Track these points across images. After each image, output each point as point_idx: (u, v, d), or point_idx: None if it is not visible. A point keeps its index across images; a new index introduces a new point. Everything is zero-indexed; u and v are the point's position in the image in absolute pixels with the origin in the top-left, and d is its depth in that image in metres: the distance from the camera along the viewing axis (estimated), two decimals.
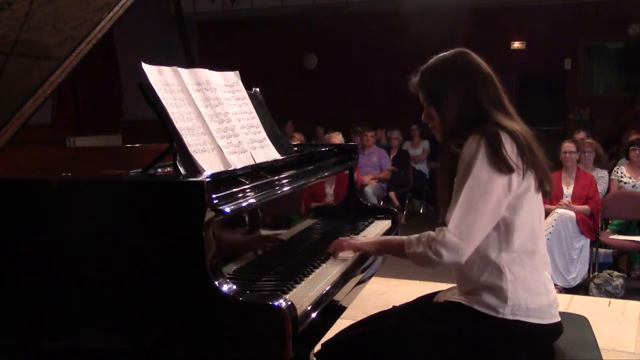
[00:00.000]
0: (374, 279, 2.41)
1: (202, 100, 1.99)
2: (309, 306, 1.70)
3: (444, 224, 1.78)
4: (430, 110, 1.95)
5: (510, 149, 1.77)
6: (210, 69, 2.16)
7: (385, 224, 2.70)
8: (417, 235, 1.87)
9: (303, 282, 1.84)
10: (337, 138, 6.63)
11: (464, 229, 1.74)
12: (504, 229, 1.81)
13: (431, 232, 1.81)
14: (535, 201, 1.86)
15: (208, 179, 1.57)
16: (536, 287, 1.84)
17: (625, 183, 5.95)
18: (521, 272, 1.82)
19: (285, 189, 2.05)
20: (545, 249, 1.94)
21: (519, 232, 1.81)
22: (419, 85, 1.97)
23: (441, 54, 1.97)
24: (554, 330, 1.90)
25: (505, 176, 1.76)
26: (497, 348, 1.83)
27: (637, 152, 5.94)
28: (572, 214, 5.30)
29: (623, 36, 9.98)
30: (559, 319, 1.90)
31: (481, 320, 1.81)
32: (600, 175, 6.01)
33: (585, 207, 5.37)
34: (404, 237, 1.91)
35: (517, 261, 1.82)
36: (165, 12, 7.65)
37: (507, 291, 1.79)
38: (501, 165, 1.75)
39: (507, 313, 1.80)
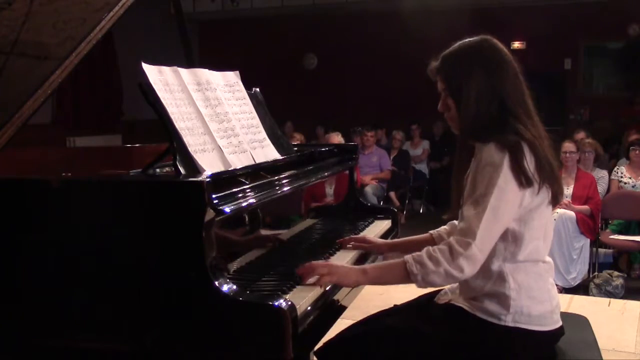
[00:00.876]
0: None
1: (202, 100, 1.99)
2: (309, 306, 1.70)
3: (452, 219, 1.74)
4: (448, 100, 1.84)
5: (529, 163, 1.72)
6: (210, 69, 2.16)
7: (385, 224, 2.70)
8: (418, 253, 1.72)
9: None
10: (336, 138, 6.64)
11: (486, 242, 1.69)
12: (512, 241, 1.77)
13: (441, 247, 1.71)
14: (546, 213, 1.83)
15: (208, 179, 1.57)
16: (540, 294, 1.81)
17: (625, 183, 5.95)
18: (525, 280, 1.79)
19: (285, 189, 2.04)
20: (549, 258, 1.91)
21: (527, 244, 1.78)
22: (439, 72, 1.85)
23: (465, 40, 1.85)
24: (556, 335, 1.88)
25: (524, 190, 1.72)
26: (498, 354, 1.82)
27: (637, 152, 5.94)
28: (572, 214, 5.30)
29: (623, 36, 9.99)
30: (560, 323, 1.88)
31: (483, 327, 1.80)
32: (600, 176, 6.01)
33: (585, 207, 5.37)
34: (399, 261, 1.75)
35: (522, 269, 1.79)
36: (165, 12, 7.64)
37: (510, 299, 1.77)
38: (522, 179, 1.70)
39: (509, 320, 1.78)
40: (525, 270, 1.80)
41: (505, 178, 1.69)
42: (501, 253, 1.78)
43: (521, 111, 1.79)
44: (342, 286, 1.87)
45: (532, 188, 1.73)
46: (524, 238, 1.77)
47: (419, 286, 1.75)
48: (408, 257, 1.75)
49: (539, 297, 1.81)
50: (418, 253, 1.74)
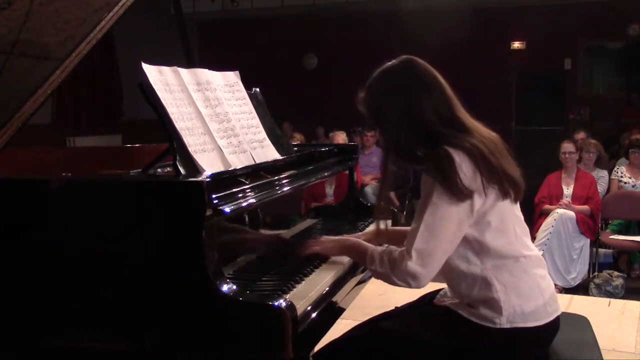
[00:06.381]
0: (373, 279, 2.41)
1: (202, 100, 1.99)
2: (309, 306, 1.70)
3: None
4: (377, 129, 1.92)
5: (466, 172, 1.71)
6: (210, 69, 2.16)
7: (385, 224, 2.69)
8: (379, 250, 1.83)
9: (303, 282, 1.84)
10: (340, 137, 6.64)
11: (426, 257, 1.72)
12: (477, 247, 1.79)
13: (393, 251, 1.77)
14: (503, 211, 1.81)
15: (208, 179, 1.57)
16: (529, 290, 1.82)
17: (625, 183, 5.95)
18: (510, 280, 1.80)
19: (285, 189, 2.04)
20: (533, 249, 1.91)
21: (494, 244, 1.79)
22: (364, 104, 1.88)
23: (384, 66, 1.87)
24: (552, 328, 1.89)
25: (466, 201, 1.71)
26: (497, 356, 1.82)
27: (636, 154, 5.93)
28: (572, 214, 5.30)
29: (623, 36, 9.97)
30: (557, 313, 1.88)
31: (480, 332, 1.81)
32: (601, 175, 6.01)
33: (585, 207, 5.37)
34: (369, 247, 1.87)
35: (504, 269, 1.80)
36: (165, 12, 7.64)
37: (500, 301, 1.78)
38: (458, 194, 1.70)
39: (504, 322, 1.79)
40: (507, 269, 1.80)
41: (438, 194, 1.71)
42: (475, 259, 1.80)
43: (452, 125, 1.78)
44: (327, 255, 2.04)
45: (477, 195, 1.72)
46: (486, 241, 1.78)
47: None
48: (372, 250, 1.85)
49: (528, 294, 1.81)
50: (380, 249, 1.82)
